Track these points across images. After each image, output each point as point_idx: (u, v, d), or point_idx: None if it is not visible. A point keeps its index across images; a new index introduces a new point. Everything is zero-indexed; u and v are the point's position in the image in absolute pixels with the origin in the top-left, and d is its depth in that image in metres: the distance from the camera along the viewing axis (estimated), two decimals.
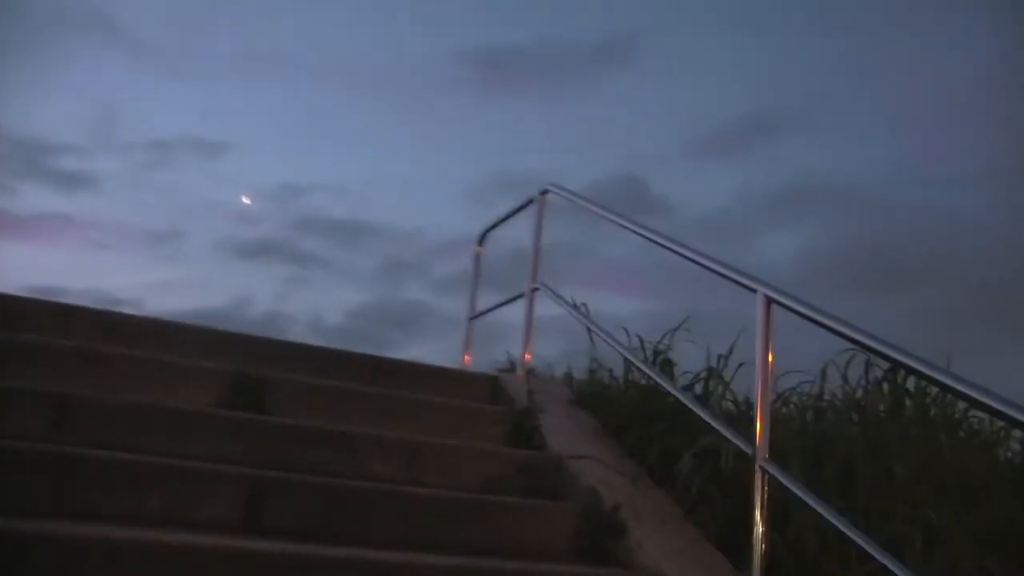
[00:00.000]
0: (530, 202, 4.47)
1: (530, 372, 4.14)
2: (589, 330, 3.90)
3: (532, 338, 4.21)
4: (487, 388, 3.90)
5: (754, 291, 2.61)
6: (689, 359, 3.72)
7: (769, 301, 2.56)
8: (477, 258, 5.03)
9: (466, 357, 4.85)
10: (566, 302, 3.98)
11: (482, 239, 5.03)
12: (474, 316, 4.89)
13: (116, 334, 3.23)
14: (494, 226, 4.97)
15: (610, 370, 4.03)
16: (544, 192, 4.34)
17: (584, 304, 4.01)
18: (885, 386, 3.34)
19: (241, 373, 3.05)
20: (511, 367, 4.41)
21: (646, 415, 3.35)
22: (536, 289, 4.21)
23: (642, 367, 3.42)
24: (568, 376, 4.28)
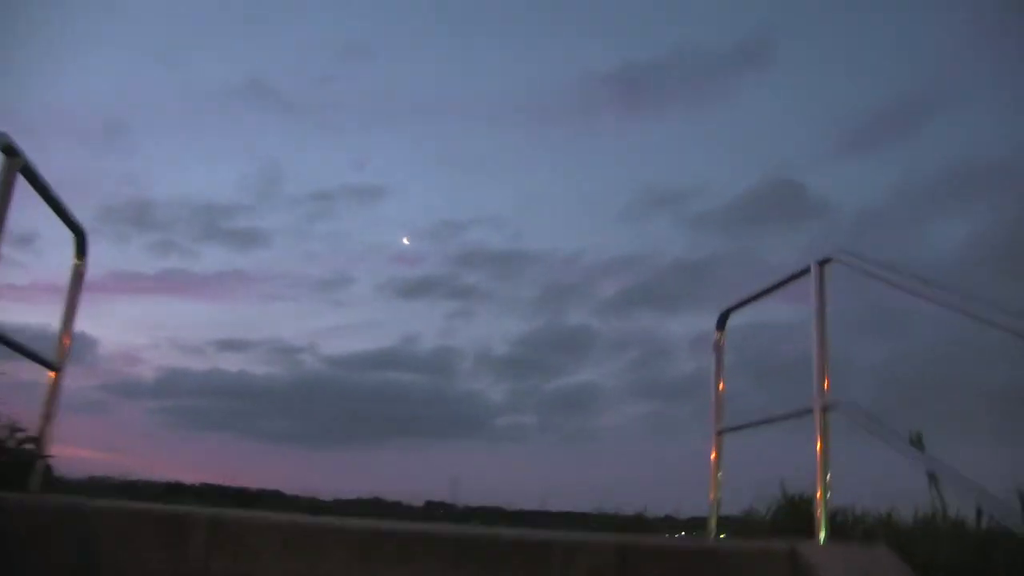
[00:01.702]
0: (801, 273, 3.11)
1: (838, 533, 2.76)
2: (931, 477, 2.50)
3: (827, 480, 2.83)
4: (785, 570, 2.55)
5: None
6: None
7: None
8: (717, 347, 3.69)
9: (711, 493, 3.51)
10: (894, 437, 2.57)
11: (722, 321, 3.69)
12: (723, 430, 3.56)
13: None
14: (740, 304, 3.62)
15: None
16: (825, 262, 2.97)
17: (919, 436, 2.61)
18: None
19: None
20: (790, 504, 3.05)
21: None
22: (828, 408, 2.83)
23: None
24: (891, 530, 2.86)
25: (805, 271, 3.06)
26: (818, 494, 2.77)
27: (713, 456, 3.54)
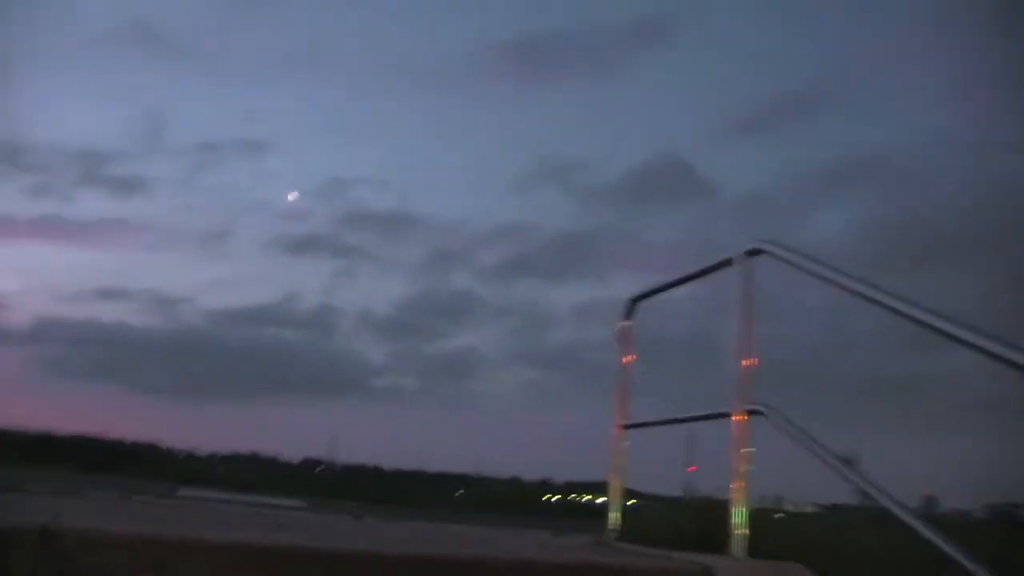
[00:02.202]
0: (721, 265, 2.86)
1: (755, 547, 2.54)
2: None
3: (746, 492, 2.61)
4: None
5: None
6: None
7: None
8: (624, 336, 3.42)
9: (612, 489, 3.26)
10: (822, 450, 2.34)
11: (630, 311, 3.42)
12: (628, 425, 3.30)
13: None
14: (651, 293, 3.35)
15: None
16: (754, 252, 2.72)
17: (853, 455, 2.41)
18: None
19: None
20: (702, 511, 2.83)
21: None
22: (755, 412, 2.59)
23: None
24: (806, 543, 2.67)
25: (726, 262, 2.81)
26: (734, 507, 2.55)
27: (616, 450, 3.29)
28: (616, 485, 3.28)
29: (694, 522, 3.18)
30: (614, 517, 3.23)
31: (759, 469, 2.65)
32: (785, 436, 2.47)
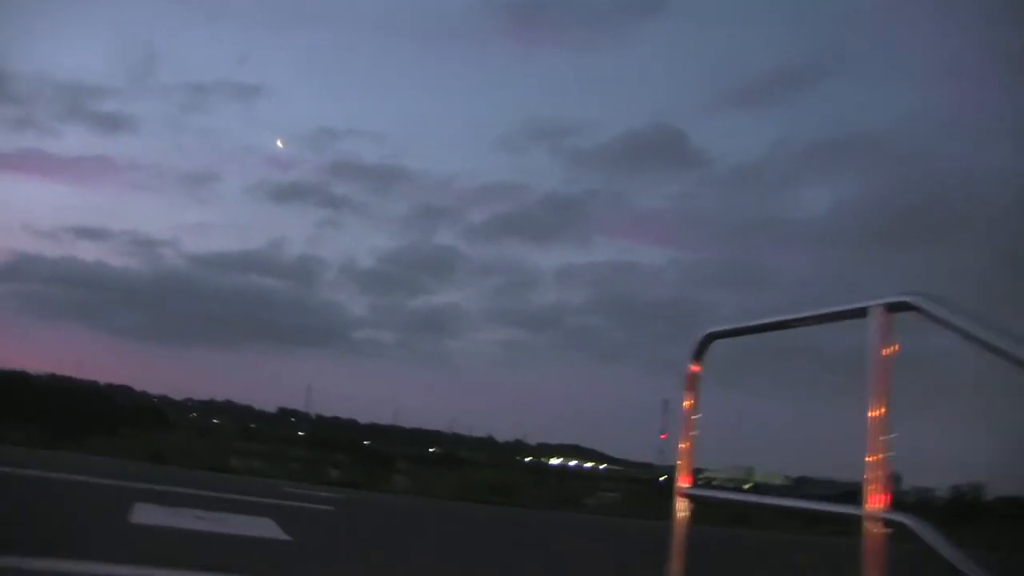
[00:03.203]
0: (850, 315, 2.17)
1: None
2: None
3: None
4: None
5: None
6: None
7: None
8: (692, 382, 2.73)
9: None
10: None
11: (702, 349, 2.72)
12: (690, 495, 2.64)
13: None
14: (731, 334, 2.65)
15: None
16: (899, 307, 2.03)
17: None
18: None
19: None
20: None
21: None
22: (887, 525, 1.93)
23: None
24: None
25: (856, 313, 2.12)
26: None
27: (678, 524, 2.64)
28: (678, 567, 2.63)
29: None
30: None
31: None
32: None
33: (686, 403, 2.74)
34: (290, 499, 9.72)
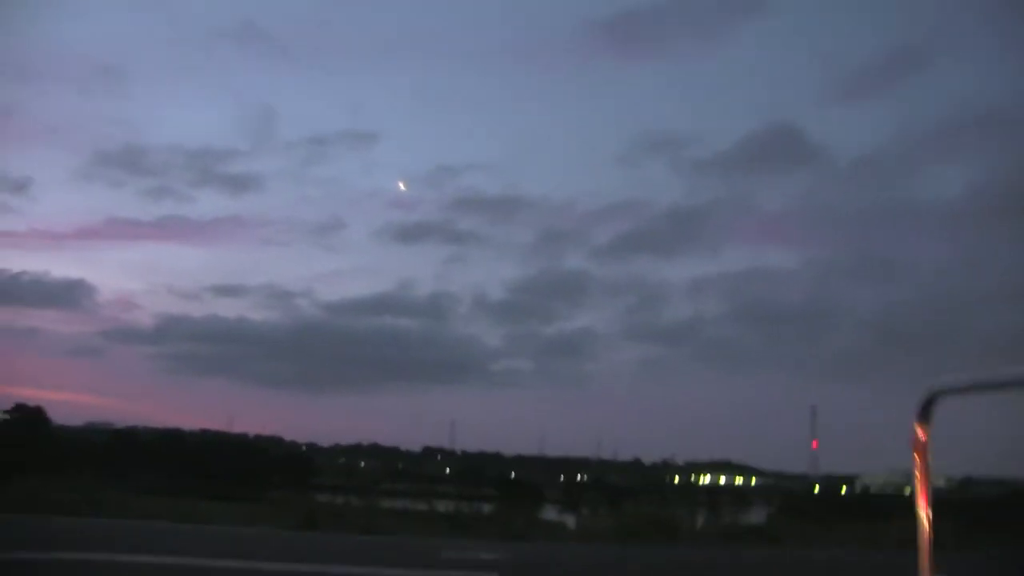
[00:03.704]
0: None
1: None
2: None
3: None
4: None
5: None
6: None
7: None
8: (920, 448, 2.41)
9: None
10: None
11: (925, 413, 2.39)
12: None
13: None
14: (961, 391, 2.33)
15: None
16: None
17: None
18: None
19: None
20: None
21: None
22: None
23: None
24: None
25: None
26: None
27: None
28: None
29: None
30: None
31: None
32: None
33: (917, 472, 2.41)
34: (450, 568, 9.55)
